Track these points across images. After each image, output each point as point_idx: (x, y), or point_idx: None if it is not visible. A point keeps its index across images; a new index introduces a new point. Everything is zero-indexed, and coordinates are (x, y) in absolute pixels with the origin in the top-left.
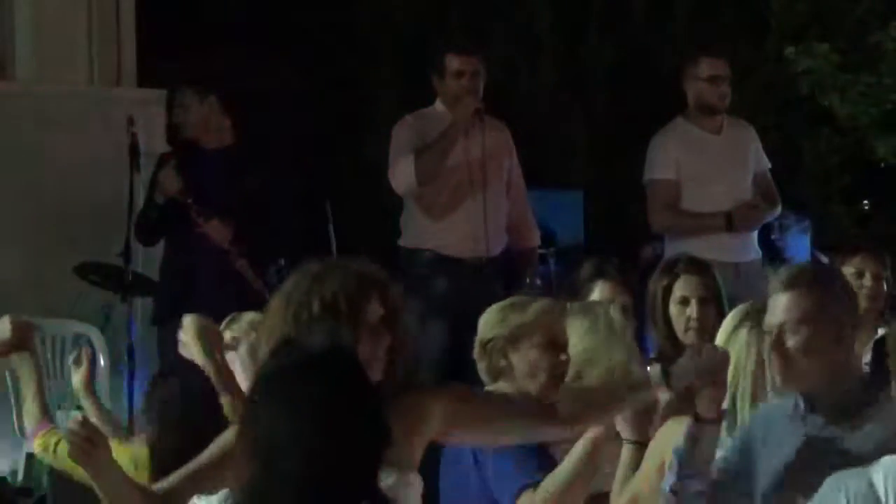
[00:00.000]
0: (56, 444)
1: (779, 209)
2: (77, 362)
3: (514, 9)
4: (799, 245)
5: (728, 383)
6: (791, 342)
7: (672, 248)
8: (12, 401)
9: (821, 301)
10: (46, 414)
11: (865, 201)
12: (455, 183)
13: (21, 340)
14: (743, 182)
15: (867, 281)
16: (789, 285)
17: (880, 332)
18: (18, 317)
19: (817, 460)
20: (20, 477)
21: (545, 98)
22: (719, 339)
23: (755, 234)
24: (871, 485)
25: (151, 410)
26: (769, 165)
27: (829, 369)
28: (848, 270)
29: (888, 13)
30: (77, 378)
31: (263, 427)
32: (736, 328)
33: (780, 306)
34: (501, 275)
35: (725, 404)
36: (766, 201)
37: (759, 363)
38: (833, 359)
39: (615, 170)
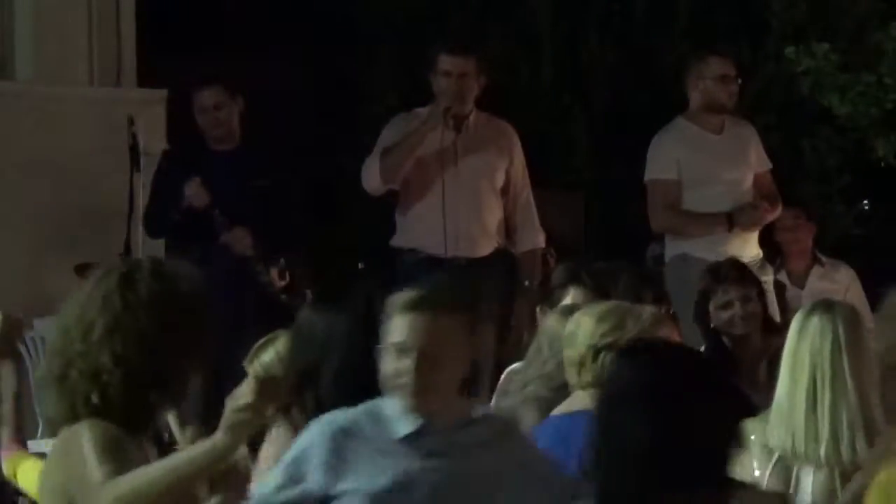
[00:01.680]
0: (16, 468)
1: (780, 209)
2: None
3: (514, 9)
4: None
5: (805, 368)
6: (429, 370)
7: (673, 249)
8: None
9: (447, 326)
10: (18, 435)
11: (865, 201)
12: (429, 182)
13: (5, 343)
14: (744, 182)
15: (737, 310)
16: (412, 307)
17: None
18: (10, 314)
19: (426, 486)
20: None
21: (545, 98)
22: (792, 328)
23: (756, 234)
24: None
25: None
26: (770, 165)
27: (455, 393)
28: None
29: (888, 13)
30: None
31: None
32: (808, 315)
33: (410, 329)
34: (494, 275)
35: (804, 388)
36: (766, 201)
37: (836, 347)
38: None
39: (615, 170)
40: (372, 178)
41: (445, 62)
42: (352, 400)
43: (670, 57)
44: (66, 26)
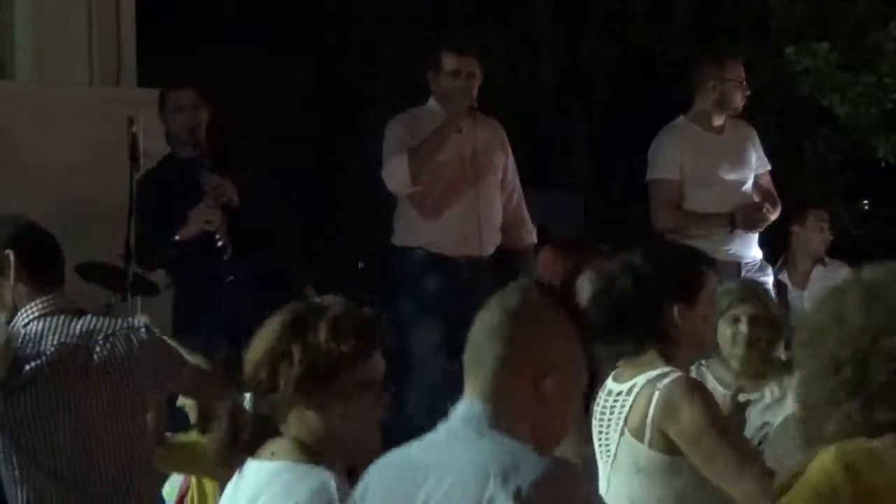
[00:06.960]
0: None
1: (779, 210)
2: None
3: (514, 9)
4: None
5: None
6: None
7: None
8: None
9: None
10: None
11: (865, 201)
12: (448, 181)
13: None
14: (745, 183)
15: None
16: None
17: None
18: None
19: None
20: None
21: (545, 98)
22: None
23: (756, 235)
24: None
25: None
26: (769, 167)
27: None
28: None
29: (888, 13)
30: None
31: None
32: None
33: None
34: (496, 273)
35: None
36: (766, 202)
37: None
38: None
39: (615, 170)
40: (401, 178)
41: (453, 62)
42: None
43: (670, 57)
44: (66, 26)
